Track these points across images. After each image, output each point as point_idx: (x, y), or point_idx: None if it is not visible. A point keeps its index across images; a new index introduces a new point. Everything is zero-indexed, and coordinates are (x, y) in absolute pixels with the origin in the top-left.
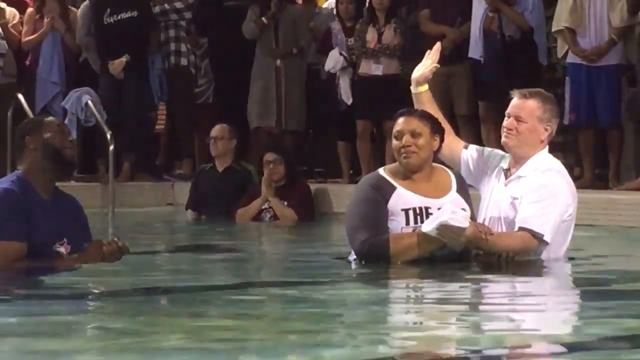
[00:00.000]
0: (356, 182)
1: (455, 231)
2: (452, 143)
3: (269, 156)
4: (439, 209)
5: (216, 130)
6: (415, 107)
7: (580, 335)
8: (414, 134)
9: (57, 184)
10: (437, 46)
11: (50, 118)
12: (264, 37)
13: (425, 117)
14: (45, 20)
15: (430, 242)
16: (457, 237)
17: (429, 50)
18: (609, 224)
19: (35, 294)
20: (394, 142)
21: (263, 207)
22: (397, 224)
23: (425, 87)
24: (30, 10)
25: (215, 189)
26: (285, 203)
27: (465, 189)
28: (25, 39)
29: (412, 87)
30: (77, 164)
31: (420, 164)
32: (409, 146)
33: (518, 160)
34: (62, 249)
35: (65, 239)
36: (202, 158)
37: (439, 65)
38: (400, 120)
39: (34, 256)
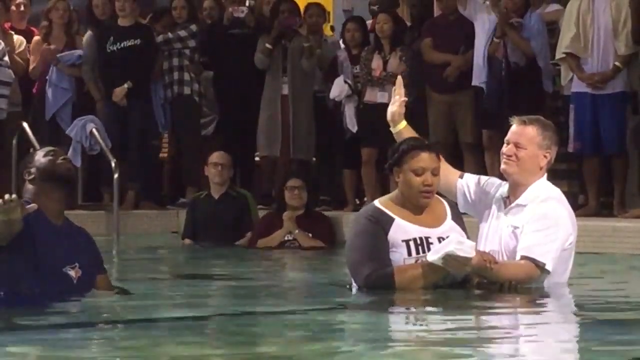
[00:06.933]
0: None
1: (461, 261)
2: (448, 173)
3: (294, 182)
4: (438, 237)
5: (220, 157)
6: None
7: None
8: (435, 172)
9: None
10: (399, 81)
11: (43, 148)
12: (272, 66)
13: (438, 154)
14: (52, 47)
15: (435, 272)
16: (463, 266)
17: (393, 87)
18: (613, 252)
19: (36, 322)
20: (415, 177)
21: (286, 238)
22: (399, 256)
23: (404, 123)
24: (36, 38)
25: (213, 216)
26: (311, 235)
27: (459, 217)
28: (31, 67)
29: (391, 128)
30: (76, 179)
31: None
32: (430, 185)
33: (517, 188)
34: (72, 272)
35: (76, 263)
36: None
37: (406, 99)
38: (424, 155)
39: (45, 279)
